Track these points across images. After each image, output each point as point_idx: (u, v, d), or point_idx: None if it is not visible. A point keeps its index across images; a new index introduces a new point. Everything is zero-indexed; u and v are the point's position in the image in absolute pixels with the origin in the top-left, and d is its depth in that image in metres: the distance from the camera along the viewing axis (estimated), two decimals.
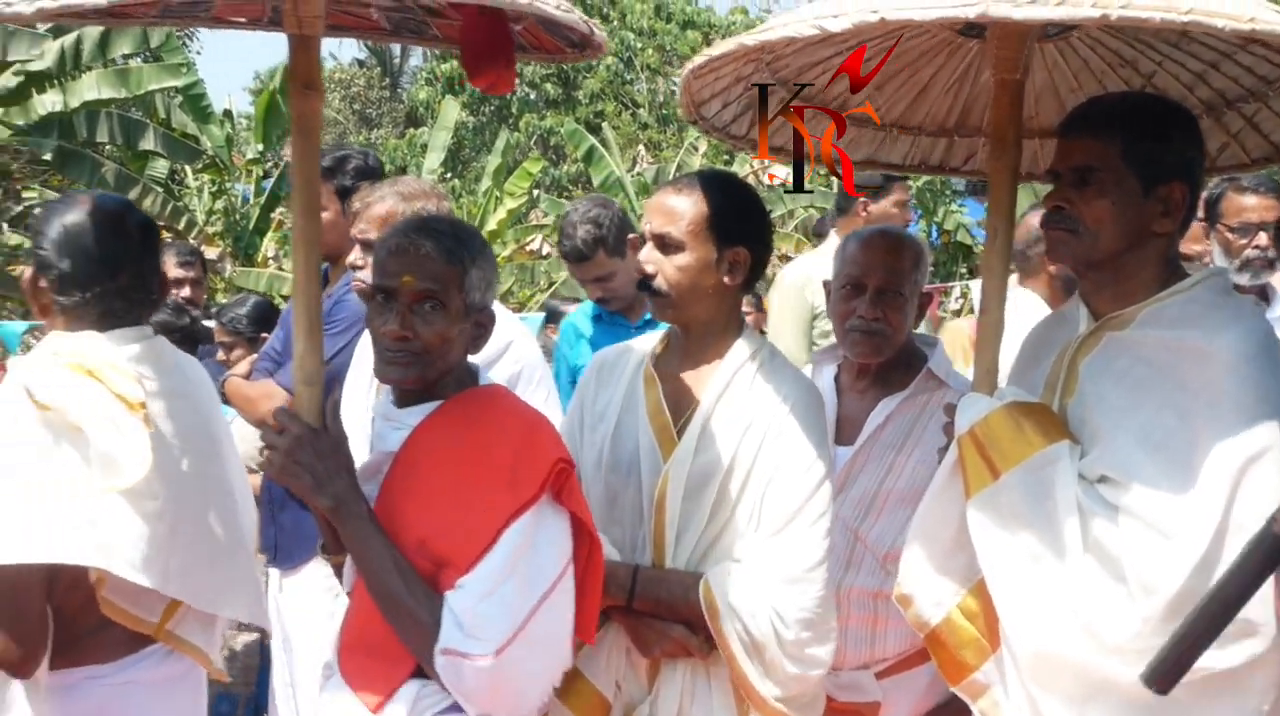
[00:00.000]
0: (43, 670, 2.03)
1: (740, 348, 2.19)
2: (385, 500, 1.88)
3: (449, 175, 16.44)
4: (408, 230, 1.90)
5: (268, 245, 13.33)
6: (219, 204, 13.38)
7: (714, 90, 2.26)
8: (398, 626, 1.80)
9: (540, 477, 1.80)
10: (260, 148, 13.61)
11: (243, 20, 2.07)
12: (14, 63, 9.88)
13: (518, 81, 21.45)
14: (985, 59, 2.21)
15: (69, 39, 10.24)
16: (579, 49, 2.09)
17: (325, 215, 3.41)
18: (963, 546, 1.98)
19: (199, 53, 20.46)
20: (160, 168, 13.04)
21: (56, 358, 2.01)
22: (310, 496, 1.85)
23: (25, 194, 12.77)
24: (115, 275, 2.10)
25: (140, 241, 2.16)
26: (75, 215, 2.10)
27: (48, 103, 10.74)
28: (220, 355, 4.47)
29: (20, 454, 1.92)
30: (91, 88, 10.79)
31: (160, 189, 11.25)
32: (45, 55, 9.98)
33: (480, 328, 1.94)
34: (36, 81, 10.57)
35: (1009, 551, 1.89)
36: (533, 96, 21.52)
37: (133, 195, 10.88)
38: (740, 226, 2.16)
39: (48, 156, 11.12)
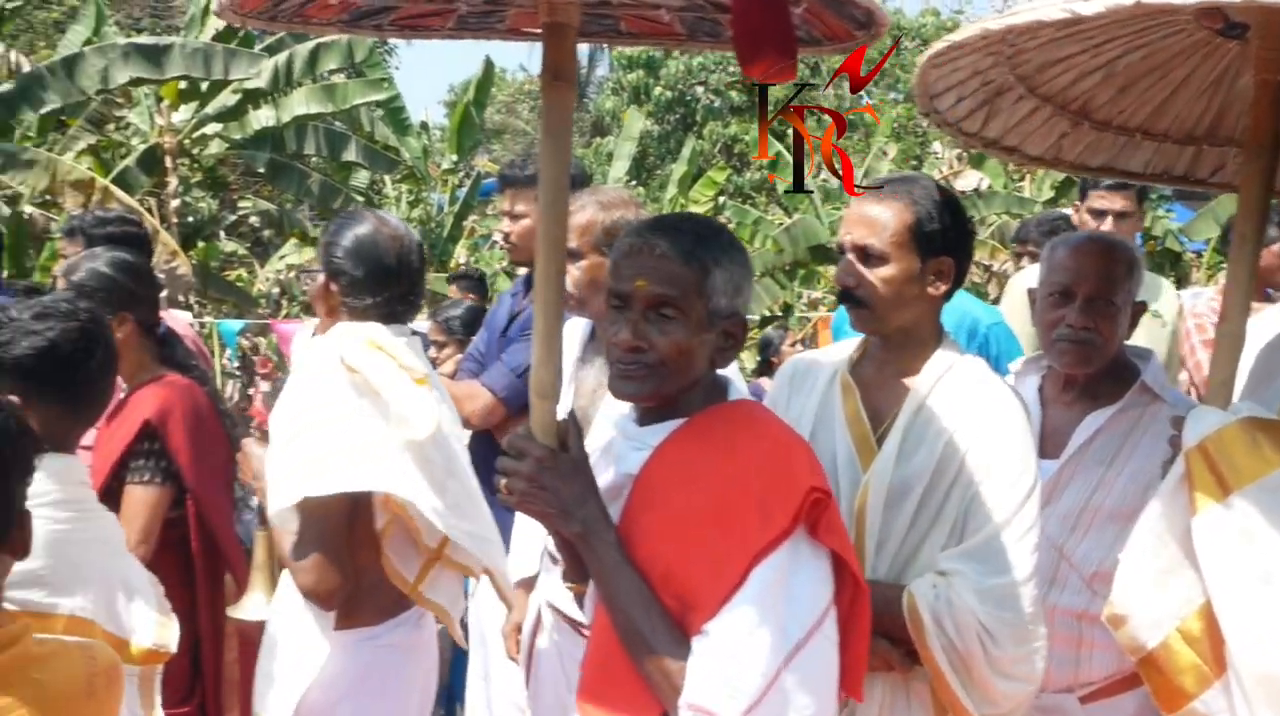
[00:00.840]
0: (330, 628, 2.33)
1: (941, 357, 2.13)
2: (625, 528, 1.71)
3: (634, 183, 16.64)
4: (643, 229, 1.75)
5: (459, 252, 13.79)
6: (415, 213, 13.93)
7: (949, 83, 2.20)
8: (643, 669, 1.63)
9: (792, 508, 1.59)
10: (454, 158, 14.11)
11: (536, 31, 1.97)
12: (233, 81, 10.54)
13: (702, 90, 21.58)
14: (1245, 61, 2.09)
15: (281, 58, 10.87)
16: (864, 28, 1.91)
17: (526, 222, 3.51)
18: (1186, 565, 1.88)
19: (397, 67, 21.35)
20: (361, 178, 13.70)
21: (353, 335, 2.34)
22: (556, 524, 1.74)
23: (240, 204, 13.65)
24: (397, 283, 2.41)
25: (417, 256, 2.47)
26: (366, 230, 2.40)
27: (262, 118, 11.43)
28: (432, 353, 4.65)
29: (336, 408, 2.25)
30: (301, 103, 11.42)
31: (361, 198, 11.82)
32: (261, 74, 10.61)
33: (729, 337, 1.74)
34: (252, 99, 11.27)
35: (1239, 572, 1.78)
36: (717, 103, 21.60)
37: (336, 205, 11.47)
38: (944, 235, 2.10)
39: (261, 169, 11.84)
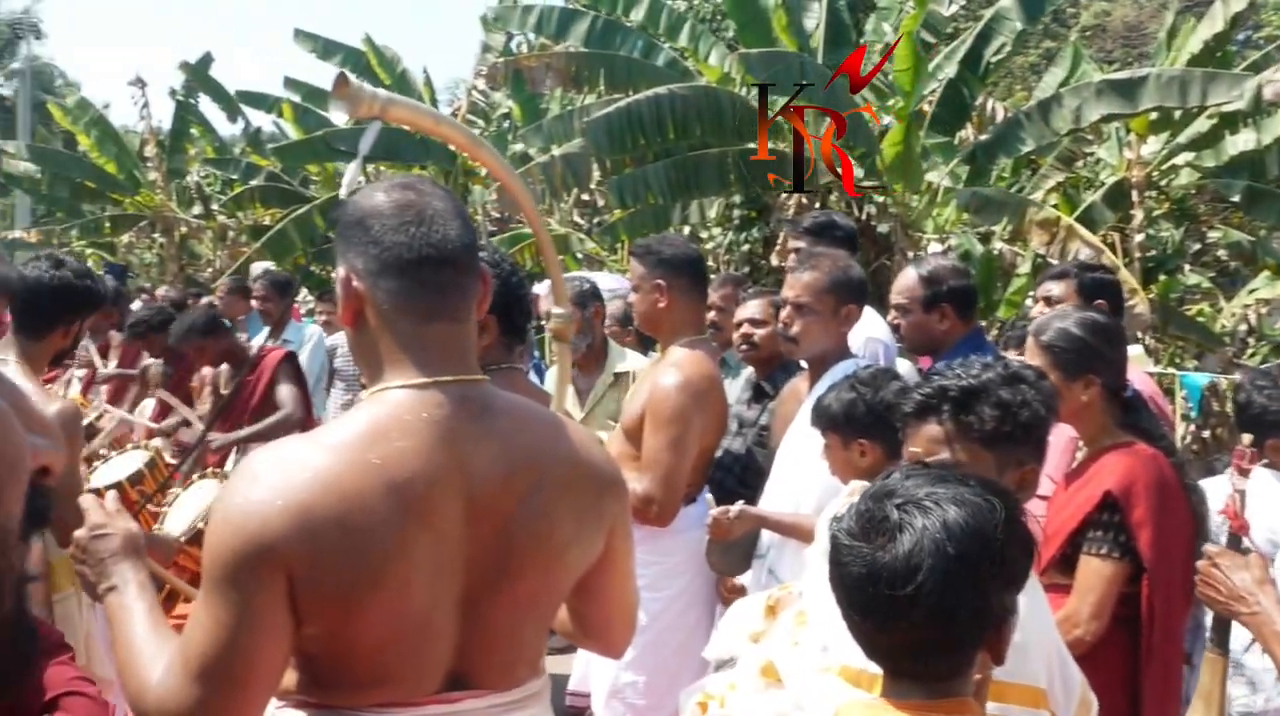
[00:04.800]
0: None
1: None
2: None
3: None
4: None
5: None
6: None
7: None
8: None
9: None
10: None
11: None
12: (1209, 107, 9.94)
13: None
14: None
15: (1267, 75, 9.95)
16: None
17: None
18: None
19: None
20: None
21: None
22: None
23: (1209, 234, 12.87)
24: None
25: None
26: None
27: (1239, 143, 10.59)
28: None
29: None
30: None
31: None
32: (1242, 96, 9.83)
33: None
34: (1230, 123, 10.50)
35: None
36: None
37: None
38: None
39: (1235, 197, 11.00)
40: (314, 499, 1.41)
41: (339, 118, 1.75)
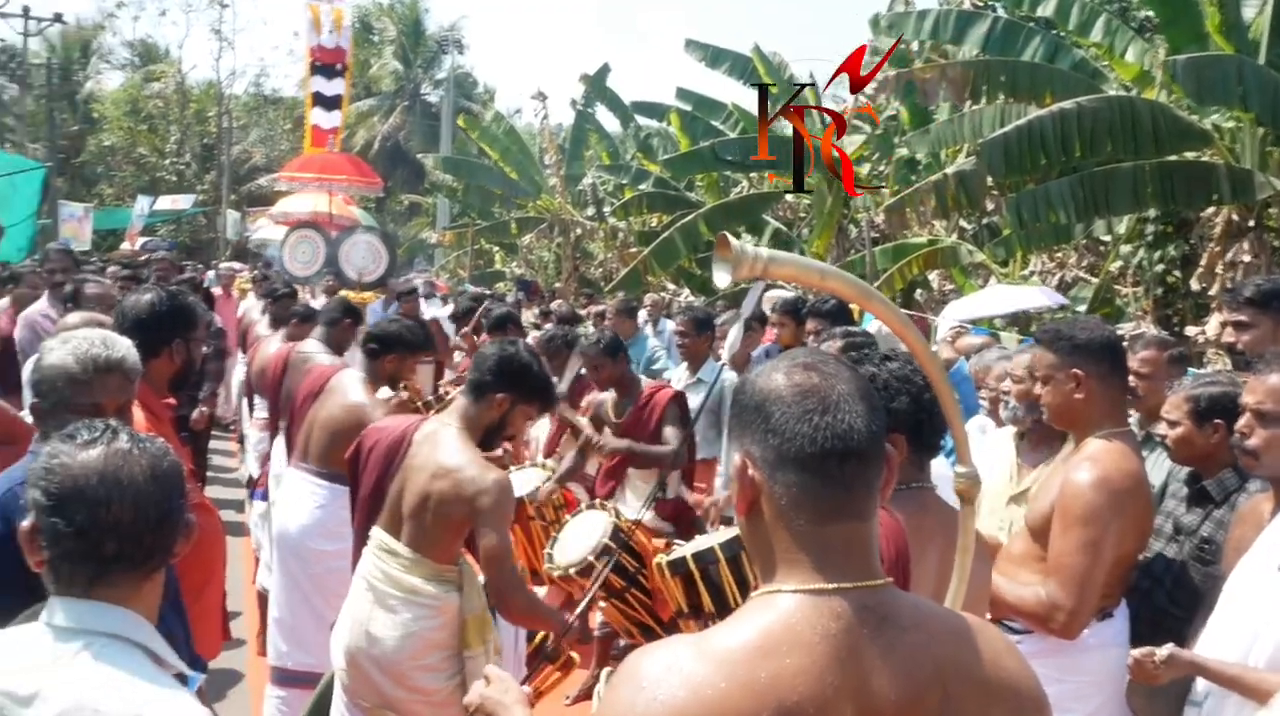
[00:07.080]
0: None
1: None
2: None
3: None
4: None
5: None
6: None
7: None
8: None
9: None
10: None
11: None
12: None
13: None
14: None
15: None
16: None
17: None
18: None
19: None
20: None
21: None
22: None
23: None
24: None
25: None
26: None
27: None
28: None
29: None
30: None
31: None
32: None
33: None
34: None
35: None
36: None
37: None
38: None
39: None
40: None
41: (722, 279, 1.61)
